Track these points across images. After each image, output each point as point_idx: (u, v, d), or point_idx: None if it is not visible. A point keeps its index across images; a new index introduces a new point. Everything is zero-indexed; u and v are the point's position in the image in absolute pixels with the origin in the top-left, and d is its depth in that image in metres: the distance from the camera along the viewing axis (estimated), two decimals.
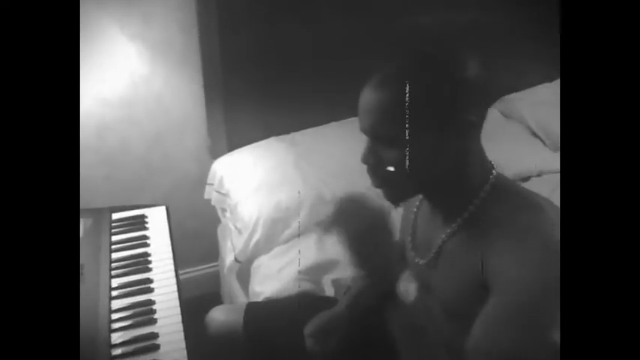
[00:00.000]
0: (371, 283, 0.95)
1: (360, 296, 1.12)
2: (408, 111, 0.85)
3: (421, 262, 1.01)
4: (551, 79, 2.32)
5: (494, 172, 0.93)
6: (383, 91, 0.87)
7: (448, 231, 0.94)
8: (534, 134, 2.11)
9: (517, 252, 0.82)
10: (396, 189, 0.93)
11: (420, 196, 1.03)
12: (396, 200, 0.95)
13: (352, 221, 0.91)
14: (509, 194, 0.91)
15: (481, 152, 0.93)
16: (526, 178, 1.89)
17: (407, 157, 0.87)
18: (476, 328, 0.84)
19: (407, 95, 0.85)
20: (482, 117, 0.90)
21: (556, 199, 1.65)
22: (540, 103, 2.18)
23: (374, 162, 0.91)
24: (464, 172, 0.90)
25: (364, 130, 0.91)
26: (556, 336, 0.72)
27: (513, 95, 2.25)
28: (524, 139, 2.08)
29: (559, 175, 1.88)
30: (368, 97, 0.89)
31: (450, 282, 0.93)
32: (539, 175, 1.91)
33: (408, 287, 0.88)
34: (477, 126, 0.89)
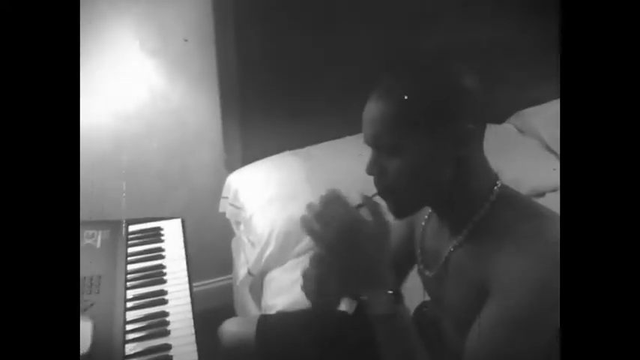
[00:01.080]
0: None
1: None
2: (406, 120, 0.87)
3: (430, 274, 1.02)
4: None
5: (498, 182, 0.93)
6: (382, 101, 0.89)
7: (455, 242, 0.95)
8: (549, 149, 2.10)
9: (519, 258, 0.83)
10: (401, 199, 0.94)
11: (429, 210, 1.04)
12: (401, 213, 0.96)
13: (332, 221, 0.86)
14: (513, 204, 0.92)
15: (484, 163, 0.94)
16: (541, 194, 1.88)
17: (409, 166, 0.89)
18: (474, 330, 0.85)
19: (406, 105, 0.87)
20: (481, 125, 0.91)
21: None
22: (555, 118, 2.16)
23: (378, 172, 0.93)
24: (468, 182, 0.91)
25: (367, 142, 0.94)
26: (554, 341, 0.72)
27: (528, 110, 2.25)
28: (539, 154, 2.07)
29: None
30: (369, 108, 0.92)
31: (458, 292, 0.94)
32: (554, 190, 1.90)
33: (380, 300, 0.86)
34: (476, 134, 0.90)
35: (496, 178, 0.94)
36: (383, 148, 0.91)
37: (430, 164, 0.89)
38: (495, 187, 0.93)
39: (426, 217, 1.07)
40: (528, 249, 0.83)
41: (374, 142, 0.92)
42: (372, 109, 0.91)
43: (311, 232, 0.88)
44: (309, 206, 0.90)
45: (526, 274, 0.82)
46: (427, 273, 1.03)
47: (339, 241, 0.84)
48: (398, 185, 0.91)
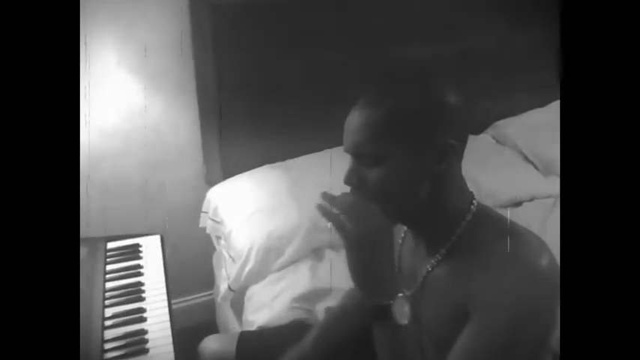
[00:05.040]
0: (361, 299, 0.94)
1: (329, 328, 1.12)
2: (389, 130, 0.88)
3: (407, 293, 1.02)
4: (542, 104, 2.35)
5: (474, 201, 0.94)
6: (368, 109, 0.90)
7: (432, 261, 0.95)
8: (527, 159, 2.13)
9: (496, 277, 0.84)
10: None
11: (405, 228, 1.05)
12: None
13: (356, 228, 0.86)
14: (489, 223, 0.92)
15: (462, 182, 0.95)
16: (519, 203, 1.90)
17: (388, 177, 0.89)
18: (454, 351, 0.85)
19: (391, 114, 0.88)
20: (462, 142, 0.92)
21: (550, 224, 1.66)
22: (532, 128, 2.20)
23: (357, 182, 0.92)
24: (445, 201, 0.92)
25: (348, 150, 0.93)
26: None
27: (506, 121, 2.28)
28: (516, 164, 2.09)
29: (551, 199, 1.90)
30: (351, 117, 0.92)
31: (436, 312, 0.94)
32: (531, 199, 1.92)
33: (402, 309, 0.88)
34: (457, 151, 0.91)
35: (472, 197, 0.95)
36: (363, 157, 0.91)
37: (409, 177, 0.90)
38: (472, 206, 0.93)
39: (402, 235, 1.07)
40: (505, 268, 0.84)
41: (355, 151, 0.92)
42: (357, 117, 0.91)
43: (338, 224, 0.87)
44: (325, 195, 0.89)
45: (504, 294, 0.82)
46: (404, 292, 1.03)
47: (364, 241, 0.85)
48: (376, 196, 0.90)
